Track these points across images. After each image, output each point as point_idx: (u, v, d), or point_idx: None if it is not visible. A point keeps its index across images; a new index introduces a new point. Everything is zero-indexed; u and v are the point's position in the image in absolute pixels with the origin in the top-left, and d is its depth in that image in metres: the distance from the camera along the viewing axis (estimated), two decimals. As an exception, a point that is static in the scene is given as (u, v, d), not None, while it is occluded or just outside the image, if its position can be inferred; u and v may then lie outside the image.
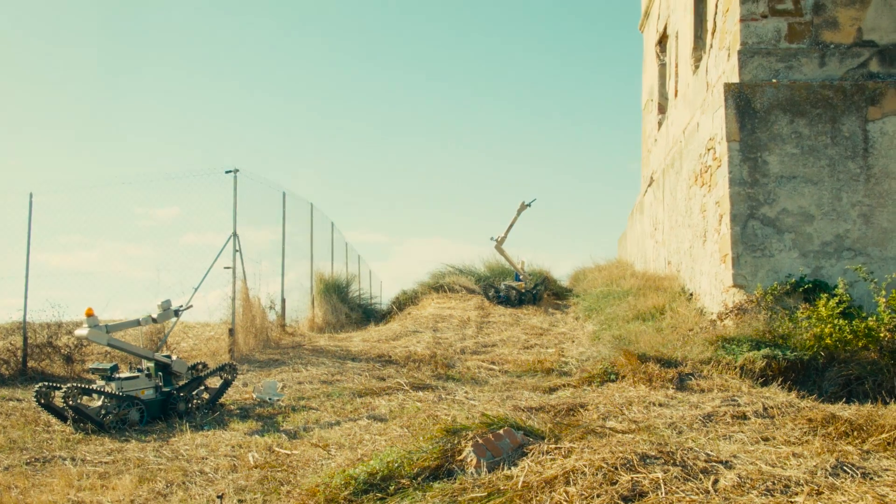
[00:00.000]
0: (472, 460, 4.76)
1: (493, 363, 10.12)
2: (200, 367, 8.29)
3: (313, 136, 54.54)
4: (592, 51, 54.14)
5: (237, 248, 11.14)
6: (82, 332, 7.15)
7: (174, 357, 7.95)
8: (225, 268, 10.95)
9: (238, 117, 52.22)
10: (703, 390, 7.15)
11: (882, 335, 7.74)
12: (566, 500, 4.08)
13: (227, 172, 11.22)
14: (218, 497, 4.80)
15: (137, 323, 7.66)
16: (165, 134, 51.11)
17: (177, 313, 7.93)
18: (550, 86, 55.38)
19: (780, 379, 7.56)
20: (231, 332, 11.05)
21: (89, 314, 7.19)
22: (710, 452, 4.65)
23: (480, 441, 4.87)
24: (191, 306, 8.15)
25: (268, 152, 50.21)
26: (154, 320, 7.76)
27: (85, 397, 7.37)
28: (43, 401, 7.27)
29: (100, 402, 7.27)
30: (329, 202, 62.01)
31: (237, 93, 51.95)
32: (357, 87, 54.55)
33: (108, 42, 48.44)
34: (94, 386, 7.42)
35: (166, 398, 7.67)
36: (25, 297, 10.93)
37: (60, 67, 48.19)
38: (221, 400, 8.16)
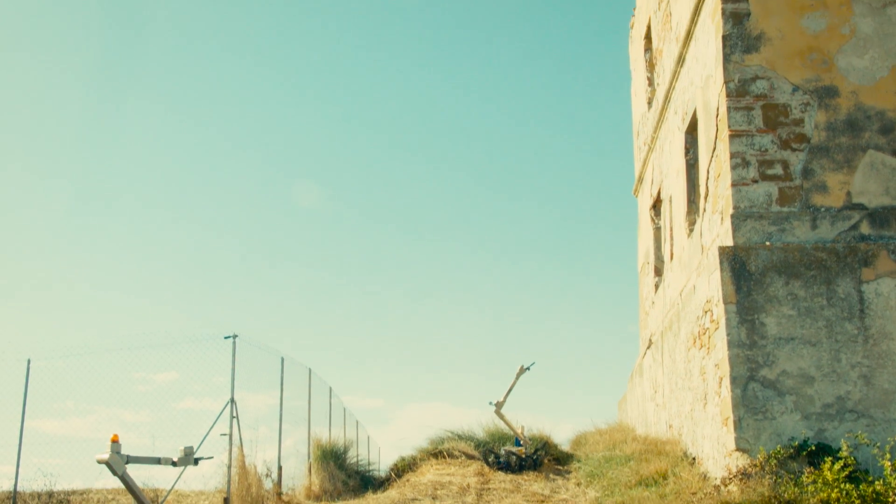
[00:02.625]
0: None
1: (493, 532, 9.85)
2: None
3: (312, 298, 54.79)
4: (588, 214, 55.04)
5: (234, 414, 11.03)
6: (103, 455, 7.07)
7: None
8: (221, 434, 10.82)
9: (237, 279, 52.60)
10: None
11: (890, 500, 7.57)
12: None
13: (226, 338, 11.24)
14: None
15: (158, 461, 7.56)
16: (164, 297, 51.37)
17: (196, 462, 7.83)
18: (549, 249, 56.05)
19: (789, 546, 7.35)
20: (226, 501, 10.81)
21: (114, 440, 7.14)
22: None
23: None
24: (211, 457, 8.06)
25: (267, 313, 50.30)
26: (174, 463, 7.66)
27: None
28: None
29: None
30: (327, 365, 61.69)
31: (237, 256, 52.50)
32: (354, 249, 55.20)
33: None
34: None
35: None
36: (17, 466, 10.77)
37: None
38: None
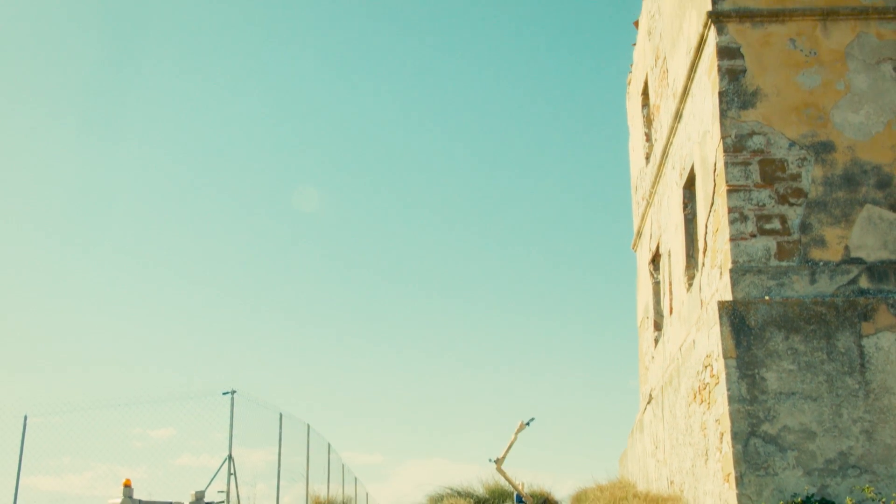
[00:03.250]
0: None
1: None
2: None
3: (311, 352, 54.61)
4: (587, 269, 55.04)
5: (232, 470, 10.93)
6: (116, 500, 7.05)
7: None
8: (219, 492, 10.70)
9: (236, 333, 52.46)
10: None
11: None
12: None
13: (224, 394, 11.19)
14: None
15: None
16: (161, 351, 51.19)
17: None
18: (548, 303, 55.97)
19: None
20: (223, 558, 10.67)
21: (127, 485, 7.12)
22: None
23: None
24: (223, 502, 8.01)
25: (265, 367, 50.09)
26: None
27: None
28: None
29: None
30: (326, 419, 61.25)
31: (235, 309, 52.40)
32: (353, 306, 55.11)
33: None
34: None
35: None
36: (12, 524, 10.65)
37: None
38: None
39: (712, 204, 10.64)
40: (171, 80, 49.02)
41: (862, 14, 10.47)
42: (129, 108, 46.45)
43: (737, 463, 9.04)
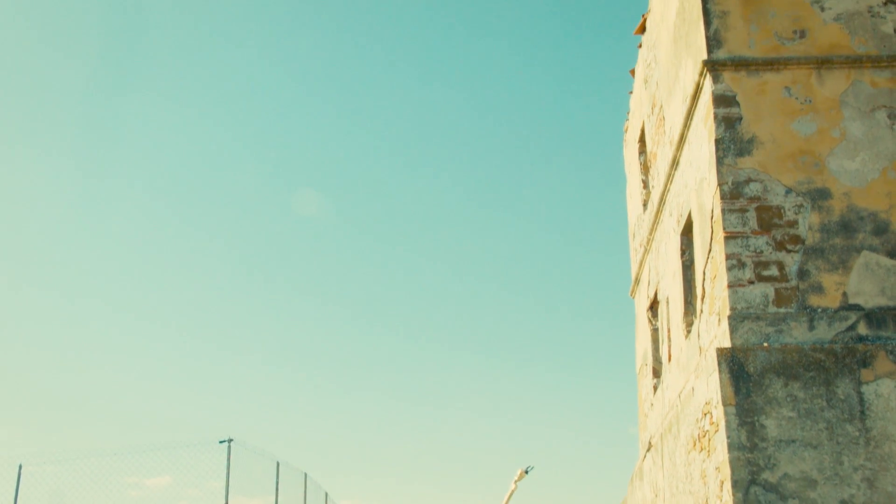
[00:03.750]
0: None
1: None
2: None
3: (310, 401, 54.30)
4: (586, 316, 54.95)
5: (228, 520, 10.83)
6: None
7: None
8: (214, 542, 10.60)
9: (233, 382, 52.21)
10: None
11: None
12: None
13: (220, 442, 11.12)
14: None
15: None
16: (157, 399, 50.88)
17: None
18: (547, 351, 55.80)
19: None
20: None
21: None
22: None
23: None
24: None
25: (263, 416, 49.79)
26: None
27: None
28: None
29: None
30: (323, 467, 60.77)
31: (232, 355, 52.22)
32: (353, 354, 54.93)
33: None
34: None
35: None
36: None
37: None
38: None
39: (710, 250, 10.66)
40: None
41: (856, 62, 10.57)
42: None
43: (737, 511, 8.95)
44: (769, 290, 9.92)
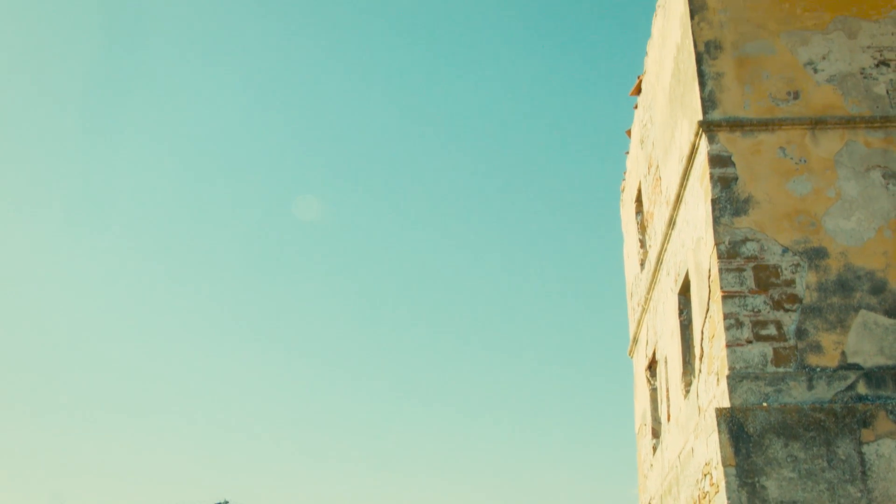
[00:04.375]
0: None
1: None
2: None
3: (306, 461, 53.78)
4: (584, 376, 54.67)
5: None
6: None
7: None
8: None
9: (229, 444, 51.75)
10: None
11: None
12: None
13: (215, 504, 11.01)
14: None
15: None
16: (153, 460, 50.41)
17: None
18: (545, 410, 55.42)
19: None
20: None
21: None
22: None
23: None
24: None
25: (259, 477, 49.24)
26: None
27: None
28: None
29: None
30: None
31: (228, 425, 51.79)
32: (352, 418, 54.51)
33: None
34: None
35: None
36: None
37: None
38: None
39: (708, 310, 10.66)
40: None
41: (849, 123, 10.68)
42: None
43: (739, 575, 8.84)
44: (767, 349, 9.89)
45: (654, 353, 15.20)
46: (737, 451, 9.29)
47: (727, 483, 9.17)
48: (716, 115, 10.77)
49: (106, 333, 51.53)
